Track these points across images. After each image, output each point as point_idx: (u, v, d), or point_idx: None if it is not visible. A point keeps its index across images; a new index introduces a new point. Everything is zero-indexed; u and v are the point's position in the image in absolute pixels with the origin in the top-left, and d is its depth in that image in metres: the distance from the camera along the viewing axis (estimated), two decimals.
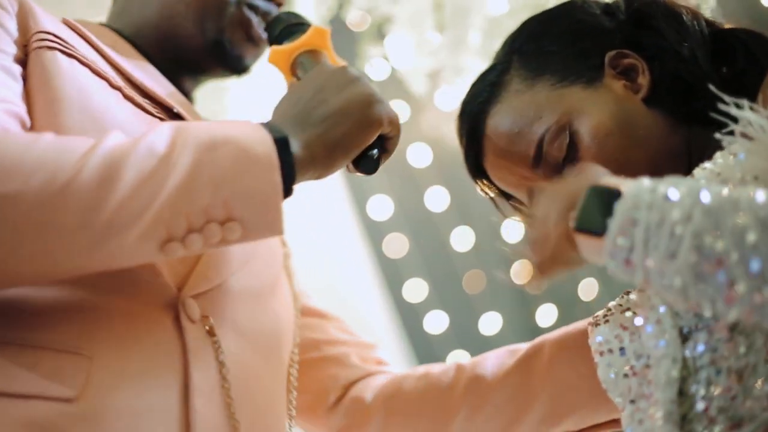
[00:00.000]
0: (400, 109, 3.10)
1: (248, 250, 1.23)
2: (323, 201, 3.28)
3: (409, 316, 3.58)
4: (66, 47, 1.18)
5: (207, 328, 1.14)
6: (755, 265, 0.86)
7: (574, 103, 1.23)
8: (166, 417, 1.07)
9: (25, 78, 1.15)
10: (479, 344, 3.20)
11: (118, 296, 1.09)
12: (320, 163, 1.10)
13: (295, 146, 1.07)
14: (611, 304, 1.22)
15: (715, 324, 1.00)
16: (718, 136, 1.04)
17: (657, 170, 1.09)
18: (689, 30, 1.24)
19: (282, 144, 1.05)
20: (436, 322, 3.57)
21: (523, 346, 1.41)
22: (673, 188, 0.92)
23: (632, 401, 1.12)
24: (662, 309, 1.05)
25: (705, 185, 0.92)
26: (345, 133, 1.10)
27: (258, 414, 1.18)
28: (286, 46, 1.26)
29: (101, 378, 1.04)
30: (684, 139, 1.22)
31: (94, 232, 0.98)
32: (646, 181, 0.95)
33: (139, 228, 0.99)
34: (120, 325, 1.08)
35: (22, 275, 1.02)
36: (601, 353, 1.17)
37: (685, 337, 1.03)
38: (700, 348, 1.01)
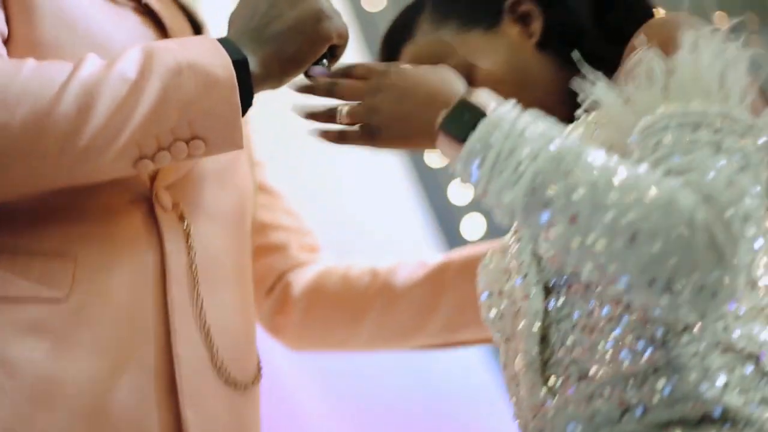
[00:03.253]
0: None
1: None
2: None
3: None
4: None
5: (179, 214, 1.23)
6: (574, 217, 0.96)
7: (472, 48, 1.32)
8: (145, 305, 1.18)
9: None
10: None
11: (96, 194, 1.18)
12: (275, 77, 1.19)
13: (253, 64, 1.16)
14: (499, 243, 1.29)
15: (574, 280, 1.08)
16: (578, 112, 1.12)
17: (547, 106, 1.17)
18: None
19: (241, 65, 1.15)
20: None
21: (433, 261, 1.55)
22: (531, 126, 1.01)
23: (507, 340, 1.20)
24: (529, 264, 1.14)
25: (560, 134, 1.01)
26: (297, 50, 1.19)
27: (224, 291, 1.27)
28: None
29: (86, 276, 1.16)
30: (572, 78, 1.28)
31: (74, 156, 1.09)
32: (512, 111, 1.05)
33: (114, 150, 1.10)
34: (100, 222, 1.18)
35: (8, 194, 1.13)
36: (484, 293, 1.25)
37: (549, 290, 1.11)
38: (561, 301, 1.10)
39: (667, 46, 1.06)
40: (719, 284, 0.93)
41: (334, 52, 1.23)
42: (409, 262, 1.57)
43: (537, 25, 1.32)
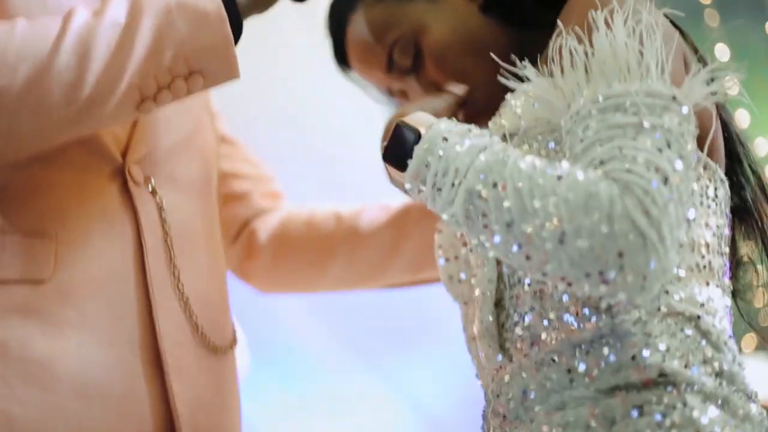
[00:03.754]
0: None
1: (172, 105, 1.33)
2: None
3: None
4: None
5: (150, 189, 1.26)
6: (509, 224, 1.00)
7: (418, 16, 1.35)
8: (126, 281, 1.22)
9: None
10: None
11: (70, 171, 1.21)
12: (261, 2, 1.22)
13: None
14: None
15: None
16: (507, 96, 1.16)
17: (492, 71, 1.20)
18: None
19: None
20: None
21: (395, 205, 1.60)
22: (460, 144, 1.05)
23: (465, 303, 1.25)
24: None
25: (487, 143, 1.05)
26: None
27: (198, 258, 1.31)
28: None
29: (67, 255, 1.19)
30: (517, 42, 1.32)
31: (79, 106, 1.12)
32: (443, 127, 1.08)
33: (117, 95, 1.13)
34: (76, 200, 1.22)
35: (19, 152, 1.16)
36: (440, 258, 1.29)
37: None
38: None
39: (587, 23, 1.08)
40: (648, 267, 0.96)
41: None
42: (372, 206, 1.62)
43: None
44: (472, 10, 1.34)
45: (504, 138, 1.15)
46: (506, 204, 1.00)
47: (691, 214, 1.09)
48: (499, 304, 1.15)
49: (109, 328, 1.20)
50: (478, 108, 1.33)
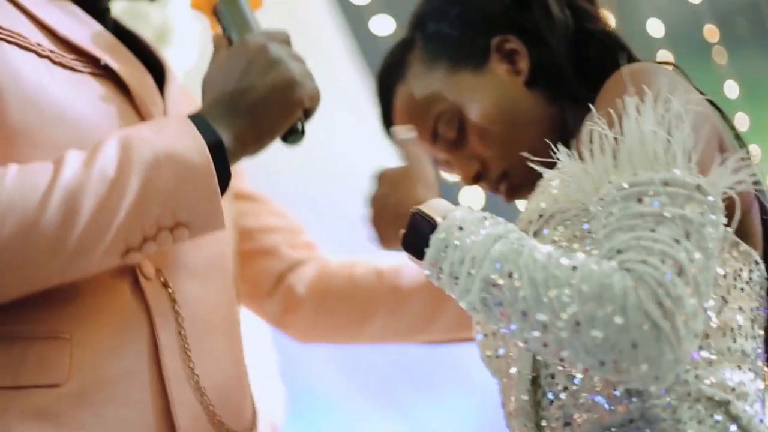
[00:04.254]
0: None
1: None
2: None
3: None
4: None
5: (162, 281, 1.25)
6: (525, 313, 1.03)
7: (463, 90, 1.37)
8: (142, 379, 1.21)
9: None
10: None
11: None
12: (251, 149, 1.22)
13: (227, 140, 1.19)
14: None
15: None
16: (545, 175, 1.17)
17: (537, 145, 1.26)
18: (555, 20, 1.35)
19: (217, 147, 1.18)
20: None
21: None
22: (475, 233, 1.08)
23: (502, 379, 1.25)
24: None
25: (502, 232, 1.07)
26: (271, 121, 1.22)
27: (215, 345, 1.31)
28: None
29: (82, 357, 1.18)
30: (562, 114, 1.35)
31: (64, 259, 1.14)
32: (458, 215, 1.10)
33: (102, 248, 1.14)
34: (89, 300, 1.21)
35: (4, 296, 1.16)
36: (478, 333, 1.30)
37: None
38: None
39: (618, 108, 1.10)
40: (662, 358, 0.98)
41: (307, 114, 1.26)
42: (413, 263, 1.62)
43: (524, 63, 1.36)
44: (517, 84, 1.36)
45: (540, 218, 1.17)
46: (522, 294, 1.02)
47: (710, 303, 1.10)
48: (535, 381, 1.16)
49: (127, 428, 1.20)
50: (519, 181, 1.35)
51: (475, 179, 1.40)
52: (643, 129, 1.06)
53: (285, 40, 1.26)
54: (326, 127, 1.51)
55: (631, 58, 1.31)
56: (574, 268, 1.01)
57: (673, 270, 0.99)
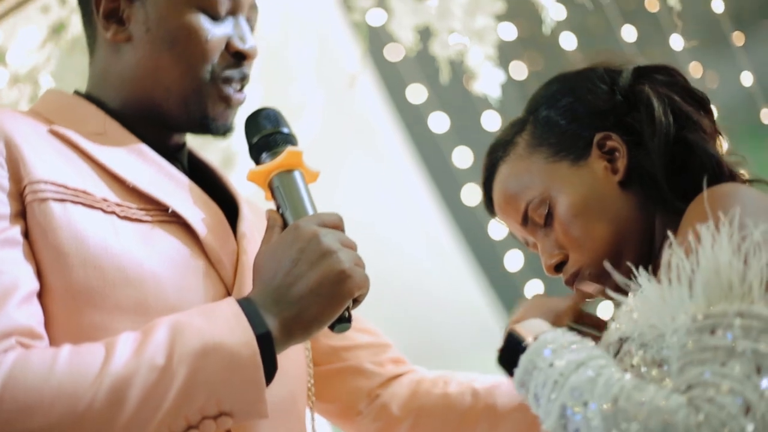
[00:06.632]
0: None
1: None
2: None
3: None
4: (57, 193, 1.27)
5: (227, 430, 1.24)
6: None
7: (557, 179, 1.39)
8: None
9: (27, 230, 1.25)
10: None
11: None
12: (298, 338, 1.24)
13: (275, 330, 1.21)
14: None
15: None
16: (625, 300, 1.19)
17: (622, 245, 1.30)
18: (657, 124, 1.36)
19: (264, 338, 1.20)
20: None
21: None
22: (560, 358, 1.11)
23: None
24: None
25: (585, 359, 1.10)
26: (319, 311, 1.23)
27: None
28: (262, 168, 1.35)
29: None
30: (651, 219, 1.36)
31: None
32: (549, 338, 1.14)
33: None
34: None
35: None
36: None
37: None
38: None
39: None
40: None
41: (355, 301, 1.26)
42: (507, 382, 1.58)
43: (622, 163, 1.37)
44: (611, 182, 1.38)
45: (620, 341, 1.18)
46: (594, 423, 1.05)
47: None
48: None
49: None
50: (593, 277, 1.36)
51: (557, 269, 1.41)
52: (719, 258, 1.06)
53: (337, 225, 1.27)
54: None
55: (722, 177, 1.32)
56: (642, 403, 1.03)
57: (740, 408, 0.99)
